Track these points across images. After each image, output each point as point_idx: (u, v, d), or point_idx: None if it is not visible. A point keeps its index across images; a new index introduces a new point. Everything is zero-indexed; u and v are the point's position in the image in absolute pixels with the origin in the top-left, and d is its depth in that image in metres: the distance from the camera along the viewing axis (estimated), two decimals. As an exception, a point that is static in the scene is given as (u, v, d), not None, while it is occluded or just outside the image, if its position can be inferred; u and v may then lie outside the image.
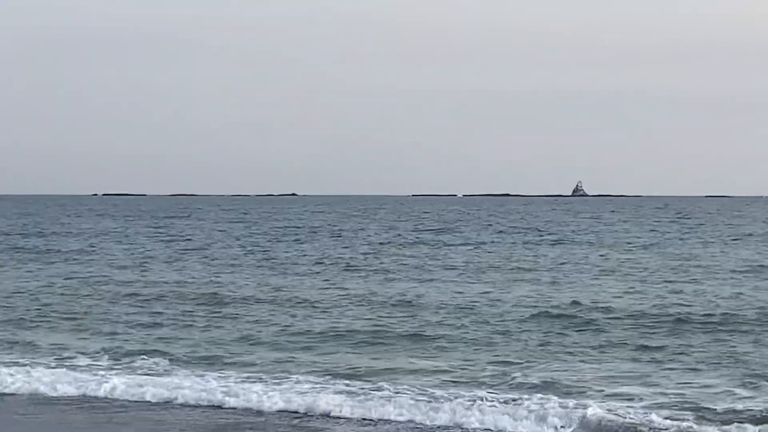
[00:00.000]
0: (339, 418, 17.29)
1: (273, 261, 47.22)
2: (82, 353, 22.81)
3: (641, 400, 17.83)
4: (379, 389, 18.78)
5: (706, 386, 18.97)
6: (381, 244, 60.50)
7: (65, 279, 38.98)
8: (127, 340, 24.80)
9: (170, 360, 22.00)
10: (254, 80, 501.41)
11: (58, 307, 30.56)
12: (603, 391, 18.66)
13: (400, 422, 16.98)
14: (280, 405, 18.03)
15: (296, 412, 17.65)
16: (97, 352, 22.93)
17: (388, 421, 16.96)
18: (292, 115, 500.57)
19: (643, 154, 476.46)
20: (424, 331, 25.36)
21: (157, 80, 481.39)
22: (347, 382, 19.48)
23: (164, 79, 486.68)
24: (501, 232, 76.24)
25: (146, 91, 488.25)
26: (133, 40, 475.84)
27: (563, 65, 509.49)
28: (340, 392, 18.54)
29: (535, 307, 29.48)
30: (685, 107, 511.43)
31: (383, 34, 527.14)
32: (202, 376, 20.22)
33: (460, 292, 33.51)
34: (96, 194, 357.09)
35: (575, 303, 30.03)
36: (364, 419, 17.13)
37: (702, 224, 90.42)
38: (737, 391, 18.54)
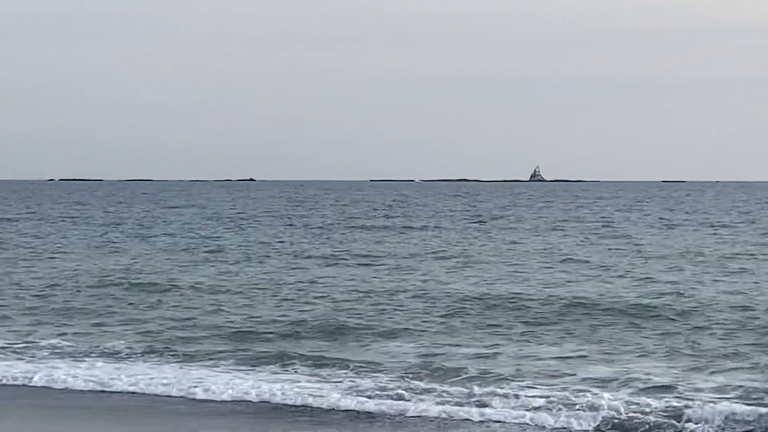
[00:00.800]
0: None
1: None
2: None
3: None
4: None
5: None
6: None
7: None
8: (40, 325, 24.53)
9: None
10: (212, 62, 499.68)
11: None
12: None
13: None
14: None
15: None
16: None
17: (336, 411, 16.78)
18: (249, 98, 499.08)
19: (602, 139, 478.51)
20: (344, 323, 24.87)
21: (111, 62, 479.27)
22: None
23: (118, 62, 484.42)
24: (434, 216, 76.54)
25: (100, 73, 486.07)
26: (84, 22, 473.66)
27: (522, 50, 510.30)
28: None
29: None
30: (644, 92, 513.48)
31: (339, 15, 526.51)
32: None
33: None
34: (53, 179, 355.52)
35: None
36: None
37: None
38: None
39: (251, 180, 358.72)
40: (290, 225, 65.09)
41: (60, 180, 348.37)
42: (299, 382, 18.25)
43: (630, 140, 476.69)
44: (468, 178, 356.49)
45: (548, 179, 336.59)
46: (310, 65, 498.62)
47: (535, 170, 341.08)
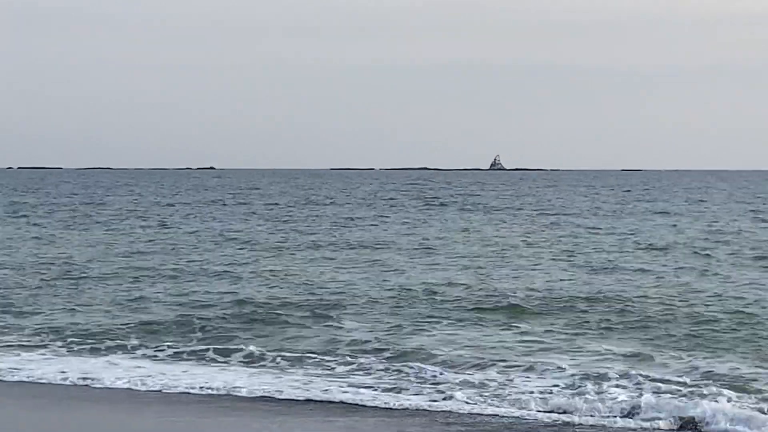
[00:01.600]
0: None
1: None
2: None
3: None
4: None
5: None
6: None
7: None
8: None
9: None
10: (174, 52, 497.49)
11: None
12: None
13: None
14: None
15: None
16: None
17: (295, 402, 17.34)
18: (210, 88, 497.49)
19: (562, 128, 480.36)
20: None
21: (73, 52, 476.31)
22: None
23: (79, 51, 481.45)
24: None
25: (61, 63, 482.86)
26: (39, 15, 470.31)
27: (484, 39, 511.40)
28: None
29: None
30: (604, 81, 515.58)
31: (305, 7, 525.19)
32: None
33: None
34: (11, 167, 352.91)
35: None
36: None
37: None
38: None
39: (212, 168, 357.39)
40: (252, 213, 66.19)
41: (19, 168, 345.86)
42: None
43: (590, 129, 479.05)
44: (428, 167, 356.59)
45: (508, 168, 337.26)
46: (273, 56, 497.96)
47: (495, 159, 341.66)
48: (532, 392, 16.83)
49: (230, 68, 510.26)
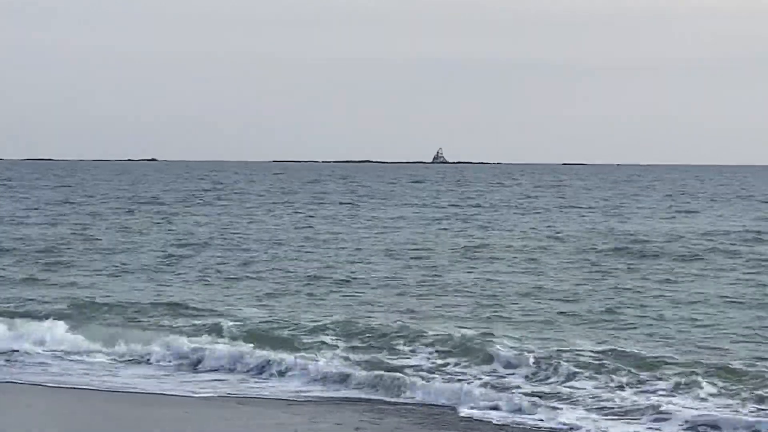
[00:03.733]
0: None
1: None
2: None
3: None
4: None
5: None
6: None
7: None
8: None
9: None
10: (116, 41, 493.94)
11: None
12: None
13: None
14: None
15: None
16: None
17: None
18: (151, 79, 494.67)
19: (505, 122, 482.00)
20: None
21: (6, 40, 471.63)
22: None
23: (12, 38, 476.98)
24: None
25: None
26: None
27: (428, 32, 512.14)
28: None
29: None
30: (546, 75, 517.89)
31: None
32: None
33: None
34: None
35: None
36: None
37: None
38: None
39: (153, 160, 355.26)
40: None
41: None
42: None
43: (533, 123, 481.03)
44: (371, 160, 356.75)
45: (451, 161, 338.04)
46: (214, 46, 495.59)
47: (437, 152, 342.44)
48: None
49: (172, 58, 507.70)
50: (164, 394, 17.05)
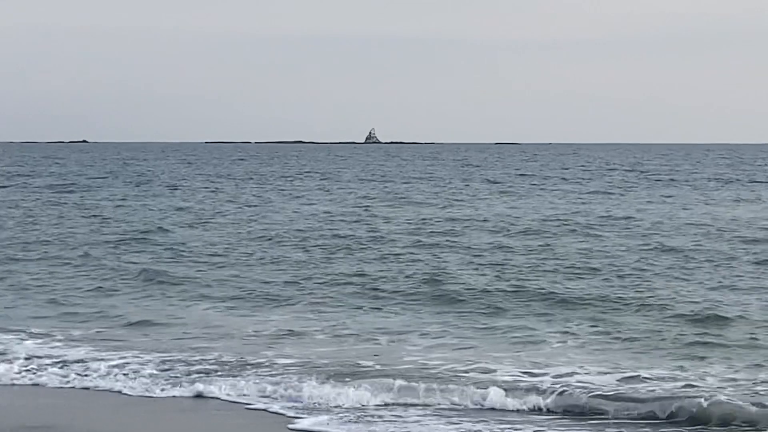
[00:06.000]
0: None
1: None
2: None
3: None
4: None
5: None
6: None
7: None
8: None
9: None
10: (44, 19, 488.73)
11: None
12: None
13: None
14: None
15: None
16: None
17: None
18: (81, 59, 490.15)
19: (438, 101, 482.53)
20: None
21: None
22: None
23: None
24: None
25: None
26: None
27: (358, 12, 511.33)
28: None
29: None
30: (478, 54, 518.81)
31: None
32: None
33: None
34: None
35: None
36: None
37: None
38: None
39: (84, 142, 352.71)
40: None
41: None
42: None
43: (466, 102, 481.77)
44: (304, 140, 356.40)
45: (383, 141, 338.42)
46: (146, 27, 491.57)
47: (370, 132, 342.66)
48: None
49: (101, 38, 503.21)
50: None
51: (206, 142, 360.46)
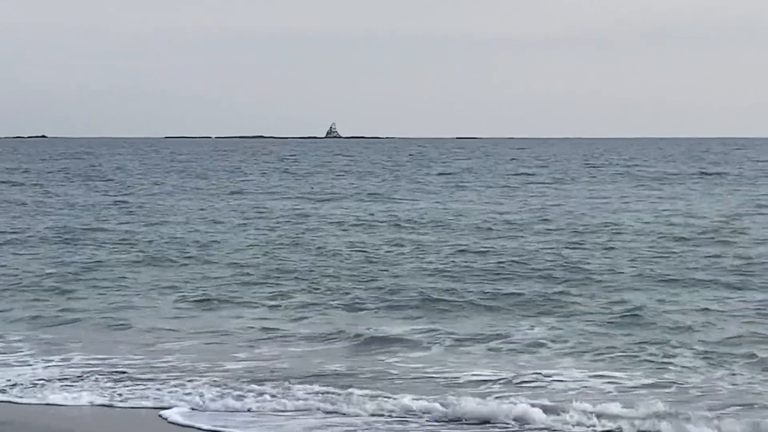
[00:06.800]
0: None
1: None
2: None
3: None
4: None
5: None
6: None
7: None
8: None
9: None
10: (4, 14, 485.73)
11: None
12: None
13: None
14: None
15: None
16: None
17: None
18: (41, 53, 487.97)
19: (399, 96, 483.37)
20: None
21: None
22: None
23: None
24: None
25: None
26: None
27: (319, 8, 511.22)
28: None
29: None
30: (436, 50, 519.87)
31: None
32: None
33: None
34: None
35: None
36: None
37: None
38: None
39: (43, 137, 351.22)
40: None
41: None
42: None
43: (427, 98, 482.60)
44: (264, 135, 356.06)
45: (344, 136, 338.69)
46: (107, 22, 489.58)
47: (331, 127, 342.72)
48: None
49: (61, 33, 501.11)
50: None
51: (166, 137, 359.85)
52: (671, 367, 16.94)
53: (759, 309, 21.47)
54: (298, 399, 15.35)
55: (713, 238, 33.59)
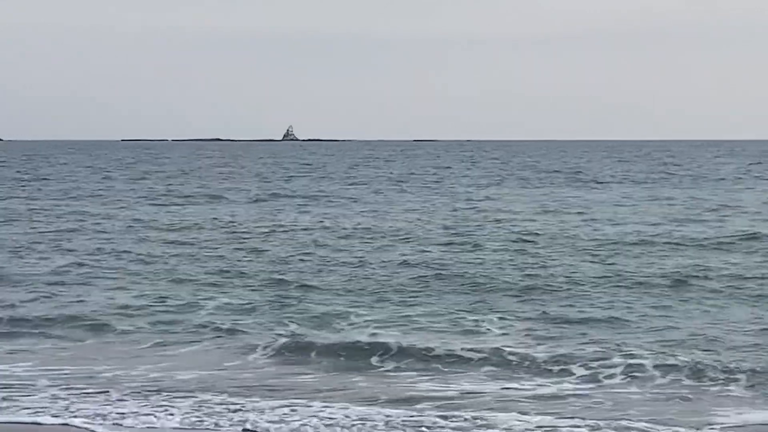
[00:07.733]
0: None
1: None
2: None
3: None
4: None
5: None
6: None
7: None
8: None
9: None
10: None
11: None
12: None
13: None
14: None
15: None
16: None
17: None
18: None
19: (356, 99, 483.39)
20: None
21: None
22: None
23: None
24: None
25: None
26: None
27: (277, 10, 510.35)
28: None
29: None
30: (395, 52, 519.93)
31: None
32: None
33: None
34: None
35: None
36: None
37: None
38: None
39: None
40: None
41: None
42: None
43: (383, 100, 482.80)
44: (221, 138, 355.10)
45: (302, 138, 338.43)
46: (64, 24, 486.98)
47: (288, 130, 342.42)
48: None
49: (14, 33, 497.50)
50: None
51: (122, 140, 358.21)
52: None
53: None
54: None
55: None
